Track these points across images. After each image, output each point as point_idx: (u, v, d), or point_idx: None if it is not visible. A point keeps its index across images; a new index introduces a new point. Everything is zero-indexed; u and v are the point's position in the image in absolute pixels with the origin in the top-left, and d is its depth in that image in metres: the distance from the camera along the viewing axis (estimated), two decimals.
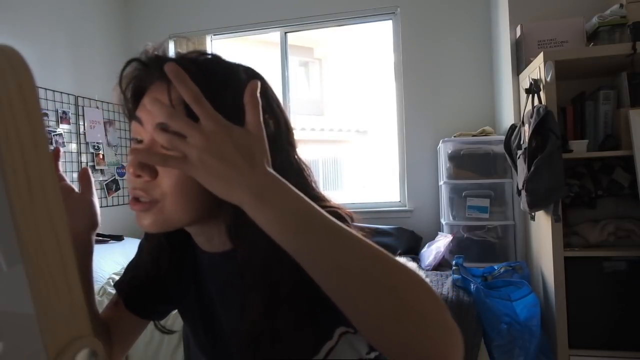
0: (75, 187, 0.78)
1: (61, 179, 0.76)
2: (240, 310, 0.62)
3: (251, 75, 0.64)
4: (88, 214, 0.74)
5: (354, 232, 0.47)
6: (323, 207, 0.58)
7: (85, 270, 0.73)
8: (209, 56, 0.63)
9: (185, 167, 0.47)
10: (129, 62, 0.64)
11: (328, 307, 0.57)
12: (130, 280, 0.80)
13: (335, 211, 0.61)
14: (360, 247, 0.46)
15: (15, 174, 0.29)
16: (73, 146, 2.95)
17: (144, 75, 0.63)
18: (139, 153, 0.52)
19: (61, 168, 0.76)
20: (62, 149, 0.78)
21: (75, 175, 2.92)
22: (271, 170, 0.48)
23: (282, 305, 0.57)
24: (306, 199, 0.48)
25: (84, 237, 0.73)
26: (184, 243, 0.74)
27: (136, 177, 0.58)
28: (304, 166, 0.68)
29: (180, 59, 0.61)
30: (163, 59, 0.62)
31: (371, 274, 0.45)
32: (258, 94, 0.49)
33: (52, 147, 2.70)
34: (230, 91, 0.57)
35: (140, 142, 0.61)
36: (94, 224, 0.74)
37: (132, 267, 0.83)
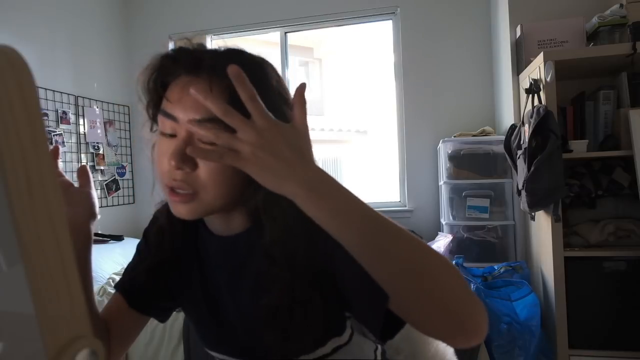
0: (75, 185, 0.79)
1: (59, 174, 0.78)
2: (255, 288, 0.67)
3: (271, 68, 0.68)
4: (87, 204, 0.76)
5: (392, 220, 0.52)
6: None
7: (84, 262, 0.74)
8: (238, 50, 0.66)
9: (240, 162, 0.50)
10: (163, 57, 0.66)
11: (338, 303, 0.66)
12: (131, 279, 0.81)
13: None
14: (401, 234, 0.51)
15: (15, 174, 0.29)
16: (73, 146, 2.95)
17: (169, 69, 0.64)
18: (196, 151, 0.53)
19: (61, 168, 0.77)
20: (62, 149, 0.80)
21: (75, 175, 2.92)
22: (318, 165, 0.52)
23: (298, 281, 0.62)
24: (351, 190, 0.52)
25: (84, 227, 0.74)
26: (185, 231, 0.77)
27: (177, 170, 0.61)
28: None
29: (219, 55, 0.64)
30: (194, 53, 0.64)
31: (411, 257, 0.50)
32: (305, 95, 0.53)
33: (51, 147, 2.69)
34: (263, 84, 0.60)
35: (172, 136, 0.63)
36: (93, 214, 0.76)
37: (132, 268, 0.84)
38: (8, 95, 0.29)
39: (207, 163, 0.60)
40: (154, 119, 0.70)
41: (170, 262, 0.78)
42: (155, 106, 0.68)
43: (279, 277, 0.63)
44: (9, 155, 0.29)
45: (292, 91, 0.61)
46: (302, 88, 0.53)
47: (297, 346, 0.67)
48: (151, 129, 0.71)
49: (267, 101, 0.56)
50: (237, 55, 0.65)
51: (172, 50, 0.65)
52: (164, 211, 0.77)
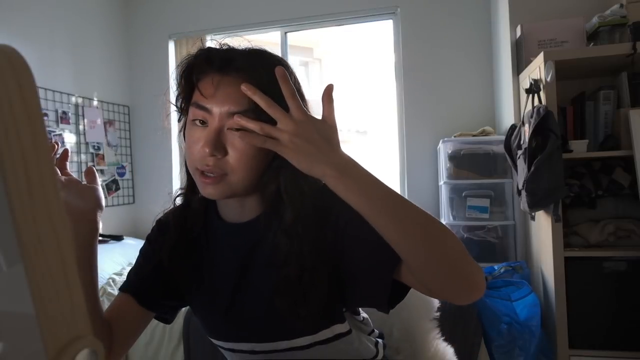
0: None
1: (67, 174, 0.82)
2: (269, 262, 0.74)
3: (294, 76, 0.78)
4: (94, 196, 0.79)
5: (406, 198, 0.62)
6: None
7: (91, 251, 0.78)
8: (261, 51, 0.75)
9: (278, 147, 0.61)
10: (195, 56, 0.74)
11: (338, 291, 0.75)
12: (140, 279, 0.84)
13: None
14: (415, 207, 0.62)
15: (15, 174, 0.29)
16: (73, 146, 2.94)
17: (201, 67, 0.72)
18: (245, 136, 0.64)
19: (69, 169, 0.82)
20: (61, 149, 0.82)
21: (74, 175, 2.92)
22: (344, 155, 0.62)
23: (309, 254, 0.71)
24: (373, 173, 0.62)
25: (91, 216, 0.78)
26: (194, 226, 0.83)
27: (211, 156, 0.69)
28: None
29: (244, 56, 0.72)
30: (224, 53, 0.73)
31: (423, 224, 0.61)
32: (333, 94, 0.64)
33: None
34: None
35: (203, 123, 0.71)
36: (99, 205, 0.80)
37: (138, 270, 0.86)
38: (8, 95, 0.29)
39: (236, 150, 0.69)
40: (182, 110, 0.77)
41: (178, 259, 0.81)
42: (185, 99, 0.76)
43: (296, 250, 0.71)
44: (9, 155, 0.28)
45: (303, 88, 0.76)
46: (330, 89, 0.63)
47: (304, 316, 0.71)
48: (179, 120, 0.79)
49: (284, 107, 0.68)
50: (261, 56, 0.74)
51: (204, 49, 0.74)
52: (171, 212, 0.85)
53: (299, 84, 0.76)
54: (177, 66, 0.76)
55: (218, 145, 0.68)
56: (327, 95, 0.63)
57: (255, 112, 0.66)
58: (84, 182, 0.81)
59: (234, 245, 0.80)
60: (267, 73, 0.69)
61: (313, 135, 0.60)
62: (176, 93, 0.78)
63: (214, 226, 0.82)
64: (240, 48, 0.74)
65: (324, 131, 0.61)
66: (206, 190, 0.71)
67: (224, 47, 0.74)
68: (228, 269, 0.80)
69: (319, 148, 0.60)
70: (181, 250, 0.81)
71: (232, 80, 0.69)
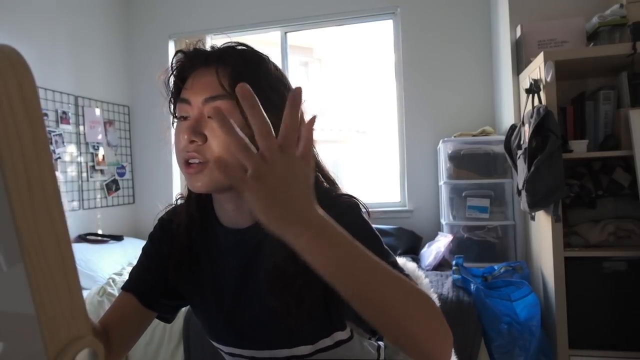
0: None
1: None
2: (265, 274, 0.72)
3: (274, 65, 0.77)
4: None
5: (386, 266, 0.53)
6: (338, 195, 0.75)
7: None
8: (244, 47, 0.75)
9: (239, 185, 0.47)
10: (176, 53, 0.76)
11: (334, 299, 0.68)
12: (142, 278, 0.84)
13: (354, 201, 0.73)
14: (394, 281, 0.53)
15: (15, 174, 0.29)
16: (73, 146, 2.94)
17: (186, 65, 0.74)
18: (222, 124, 0.62)
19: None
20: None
21: (74, 175, 2.92)
22: (319, 209, 0.50)
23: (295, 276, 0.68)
24: (348, 236, 0.51)
25: None
26: (197, 229, 0.82)
27: (190, 143, 0.68)
28: (316, 149, 0.78)
29: (223, 50, 0.73)
30: (205, 50, 0.74)
31: (396, 302, 0.53)
32: (314, 129, 0.52)
33: (53, 149, 2.71)
34: (264, 79, 0.71)
35: (185, 118, 0.71)
36: None
37: (141, 268, 0.86)
38: (8, 95, 0.29)
39: (216, 135, 0.68)
40: (174, 112, 0.77)
41: (181, 260, 0.81)
42: (175, 101, 0.77)
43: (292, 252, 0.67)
44: (9, 155, 0.28)
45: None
46: (311, 122, 0.51)
47: (296, 317, 0.70)
48: (172, 124, 0.78)
49: (258, 95, 0.65)
50: (243, 48, 0.75)
51: (189, 50, 0.75)
52: (172, 212, 0.86)
53: (281, 77, 0.75)
54: (166, 70, 0.77)
55: (196, 131, 0.68)
56: (308, 130, 0.50)
57: (231, 97, 0.67)
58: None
59: (234, 251, 0.78)
60: (244, 59, 0.71)
61: (287, 180, 0.47)
62: (168, 99, 0.79)
63: (215, 232, 0.81)
64: (226, 44, 0.75)
65: (301, 175, 0.49)
66: (192, 182, 0.70)
67: (210, 46, 0.76)
68: (229, 276, 0.79)
69: (293, 199, 0.48)
70: (184, 259, 0.81)
71: (209, 70, 0.70)
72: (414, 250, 2.78)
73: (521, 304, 2.00)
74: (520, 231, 2.56)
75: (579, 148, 1.94)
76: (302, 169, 0.49)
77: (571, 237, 1.99)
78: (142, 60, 3.53)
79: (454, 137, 2.72)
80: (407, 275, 0.63)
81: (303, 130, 0.51)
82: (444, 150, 2.69)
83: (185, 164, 0.70)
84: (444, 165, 2.69)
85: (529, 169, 1.89)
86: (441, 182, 2.76)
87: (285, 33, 3.40)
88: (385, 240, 2.48)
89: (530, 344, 1.90)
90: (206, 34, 3.44)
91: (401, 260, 1.02)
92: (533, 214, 2.15)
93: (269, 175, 0.46)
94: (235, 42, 0.76)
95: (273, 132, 0.48)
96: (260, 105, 0.47)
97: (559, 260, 1.92)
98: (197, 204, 0.82)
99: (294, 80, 3.52)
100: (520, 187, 2.03)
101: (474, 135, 2.68)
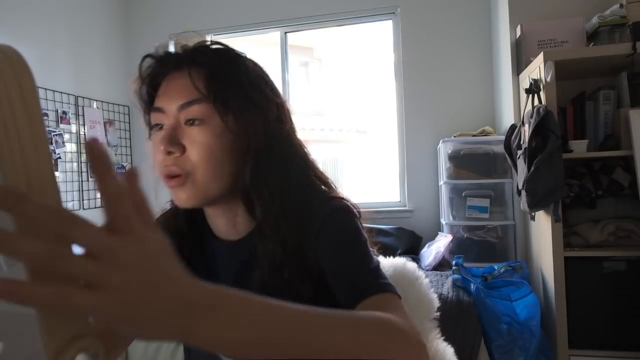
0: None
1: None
2: (257, 289, 0.66)
3: (252, 62, 0.72)
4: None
5: (317, 312, 0.42)
6: (329, 198, 0.70)
7: None
8: (219, 45, 0.70)
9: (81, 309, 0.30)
10: (144, 58, 0.70)
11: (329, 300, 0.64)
12: None
13: (344, 204, 0.69)
14: (331, 327, 0.42)
15: (15, 173, 0.29)
16: (73, 146, 2.94)
17: (158, 71, 0.69)
18: (201, 130, 0.64)
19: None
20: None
21: (74, 175, 2.92)
22: (195, 282, 0.36)
23: (290, 258, 0.64)
24: (258, 300, 0.39)
25: None
26: (191, 241, 0.77)
27: (168, 155, 0.63)
28: (306, 150, 0.76)
29: (196, 50, 0.68)
30: (176, 52, 0.69)
31: (346, 346, 0.42)
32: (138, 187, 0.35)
33: (53, 148, 2.70)
34: (243, 76, 0.67)
35: (161, 127, 0.66)
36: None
37: None
38: (8, 95, 0.29)
39: (195, 144, 0.63)
40: (150, 123, 0.70)
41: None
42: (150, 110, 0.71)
43: (270, 252, 0.65)
44: (9, 154, 0.28)
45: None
46: (133, 179, 0.34)
47: None
48: (149, 136, 0.71)
49: (237, 95, 0.64)
50: (218, 47, 0.69)
51: (158, 54, 0.70)
52: (165, 221, 0.77)
53: (261, 74, 0.71)
54: (137, 77, 0.70)
55: (173, 141, 0.63)
56: (133, 184, 0.35)
57: (207, 100, 0.63)
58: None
59: (226, 265, 0.74)
60: (219, 58, 0.66)
61: (143, 269, 0.32)
62: (143, 109, 0.72)
63: (211, 246, 0.77)
64: (199, 43, 0.71)
65: (157, 253, 0.34)
66: (176, 196, 0.66)
67: (179, 48, 0.71)
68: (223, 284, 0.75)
69: (159, 289, 0.32)
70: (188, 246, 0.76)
71: (182, 73, 0.65)
72: (414, 250, 2.78)
73: (521, 304, 2.00)
74: (520, 231, 2.56)
75: (579, 148, 1.94)
76: (156, 243, 0.34)
77: (571, 237, 1.99)
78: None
79: (454, 137, 2.71)
80: (385, 284, 0.60)
81: (131, 193, 0.34)
82: (444, 150, 2.68)
83: (166, 178, 0.65)
84: (444, 165, 2.69)
85: (528, 169, 1.89)
86: (441, 182, 2.76)
87: (285, 33, 3.40)
88: (385, 240, 2.47)
89: (530, 344, 1.90)
90: (206, 34, 3.44)
91: (401, 260, 1.02)
92: (533, 214, 2.15)
93: (115, 277, 0.30)
94: (209, 41, 0.71)
95: (126, 210, 0.32)
96: (113, 173, 0.32)
97: (559, 260, 1.91)
98: (186, 218, 0.76)
99: (294, 80, 3.52)
100: (520, 187, 2.03)
101: (474, 135, 2.68)
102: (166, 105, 0.65)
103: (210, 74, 0.65)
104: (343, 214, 0.68)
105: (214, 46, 0.69)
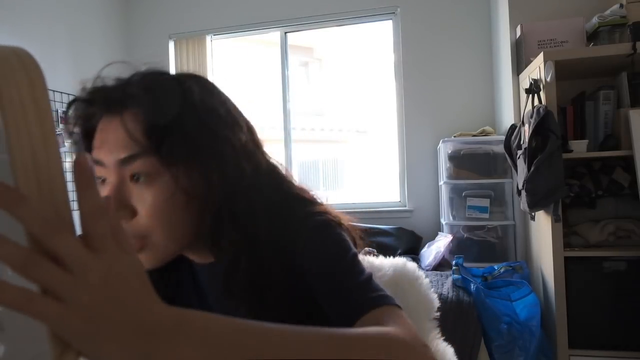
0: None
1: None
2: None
3: (202, 84, 0.62)
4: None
5: (310, 336, 0.40)
6: (307, 215, 0.63)
7: None
8: (155, 75, 0.60)
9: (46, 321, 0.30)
10: (71, 104, 0.61)
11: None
12: None
13: (324, 219, 0.62)
14: (321, 348, 0.40)
15: (26, 174, 0.29)
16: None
17: (89, 114, 0.60)
18: (149, 186, 0.55)
19: None
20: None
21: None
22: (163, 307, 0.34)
23: (270, 312, 0.55)
24: (236, 322, 0.37)
25: None
26: (175, 264, 0.71)
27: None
28: (274, 165, 0.68)
29: (127, 85, 0.58)
30: (105, 90, 0.59)
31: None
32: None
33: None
34: (188, 117, 0.56)
35: (104, 181, 0.57)
36: None
37: None
38: (20, 95, 0.29)
39: (144, 204, 0.55)
40: None
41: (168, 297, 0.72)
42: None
43: (243, 313, 0.58)
44: (20, 154, 0.29)
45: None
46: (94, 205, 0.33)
47: None
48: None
49: (185, 141, 0.55)
50: (156, 82, 0.58)
51: (85, 93, 0.60)
52: None
53: (211, 107, 0.60)
54: (66, 122, 0.62)
55: (120, 204, 0.55)
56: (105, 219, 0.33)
57: (151, 152, 0.54)
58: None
59: (212, 285, 0.69)
60: (156, 95, 0.56)
61: (113, 288, 0.32)
62: (77, 149, 0.63)
63: (194, 269, 0.72)
64: (132, 76, 0.60)
65: (130, 272, 0.33)
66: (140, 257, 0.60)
67: (109, 82, 0.61)
68: (215, 311, 0.69)
69: (130, 311, 0.32)
70: (168, 289, 0.71)
71: (115, 118, 0.56)
72: (414, 250, 2.78)
73: (521, 304, 2.00)
74: (520, 231, 2.56)
75: (579, 148, 1.94)
76: (128, 265, 0.33)
77: (571, 237, 1.99)
78: (142, 60, 3.53)
79: (454, 137, 2.72)
80: (379, 296, 0.55)
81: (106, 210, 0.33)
82: (444, 150, 2.69)
83: None
84: (444, 165, 2.70)
85: (528, 169, 1.89)
86: (441, 182, 2.76)
87: (285, 33, 3.40)
88: (385, 240, 2.47)
89: (530, 344, 1.90)
90: (206, 34, 3.44)
91: (401, 260, 1.02)
92: (533, 214, 2.15)
93: (81, 292, 0.30)
94: (145, 69, 0.61)
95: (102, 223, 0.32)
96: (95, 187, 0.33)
97: (559, 260, 1.92)
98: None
99: (294, 80, 3.51)
100: (520, 187, 2.03)
101: (474, 135, 2.68)
102: (105, 158, 0.56)
103: (148, 118, 0.55)
104: (323, 231, 0.62)
105: (150, 77, 0.59)
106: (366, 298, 0.55)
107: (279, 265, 0.60)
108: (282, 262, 0.60)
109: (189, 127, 0.56)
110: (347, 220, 0.66)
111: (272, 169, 0.67)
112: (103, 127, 0.58)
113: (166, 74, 0.61)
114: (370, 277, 0.58)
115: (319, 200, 0.68)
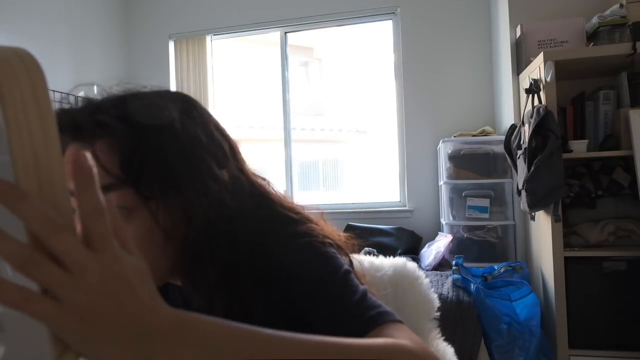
0: None
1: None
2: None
3: (184, 108, 0.58)
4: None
5: (310, 342, 0.39)
6: (290, 237, 0.59)
7: None
8: (129, 97, 0.56)
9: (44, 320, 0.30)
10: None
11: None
12: None
13: (307, 241, 0.59)
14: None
15: (27, 173, 0.29)
16: None
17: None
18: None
19: None
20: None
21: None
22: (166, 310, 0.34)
23: (261, 317, 0.54)
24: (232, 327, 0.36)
25: None
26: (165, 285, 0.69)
27: None
28: (259, 184, 0.65)
29: (98, 112, 0.54)
30: (73, 115, 0.55)
31: None
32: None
33: None
34: (170, 139, 0.53)
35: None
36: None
37: None
38: (21, 96, 0.29)
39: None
40: None
41: None
42: None
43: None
44: (21, 156, 0.29)
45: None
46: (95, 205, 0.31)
47: None
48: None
49: (165, 174, 0.52)
50: (127, 105, 0.54)
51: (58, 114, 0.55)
52: None
53: (194, 136, 0.56)
54: None
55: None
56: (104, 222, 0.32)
57: (127, 184, 0.51)
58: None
59: (189, 308, 0.66)
60: (134, 123, 0.52)
61: (112, 290, 0.31)
62: None
63: (172, 289, 0.70)
64: (104, 100, 0.56)
65: (129, 273, 0.32)
66: None
67: (78, 105, 0.57)
68: None
69: (130, 312, 0.32)
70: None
71: (91, 150, 0.52)
72: (414, 250, 2.78)
73: (521, 304, 2.00)
74: (520, 231, 2.56)
75: (579, 148, 1.94)
76: (130, 265, 0.33)
77: (571, 237, 1.99)
78: (142, 60, 3.53)
79: (454, 137, 2.72)
80: (377, 314, 0.52)
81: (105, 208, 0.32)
82: (444, 150, 2.69)
83: None
84: (444, 165, 2.70)
85: (528, 169, 1.89)
86: (441, 182, 2.76)
87: (285, 33, 3.40)
88: (385, 240, 2.47)
89: (530, 344, 1.91)
90: (206, 34, 3.44)
91: (401, 260, 1.02)
92: (533, 214, 2.16)
93: (79, 292, 0.30)
94: (119, 91, 0.57)
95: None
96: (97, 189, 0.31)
97: (558, 260, 1.92)
98: None
99: (294, 80, 3.51)
100: (520, 187, 2.03)
101: (474, 135, 2.68)
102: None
103: (124, 150, 0.51)
104: (308, 252, 0.58)
105: (122, 104, 0.54)
106: (365, 318, 0.52)
107: (262, 299, 0.57)
108: (265, 295, 0.57)
109: (169, 159, 0.53)
110: (337, 235, 0.63)
111: (256, 192, 0.64)
112: (70, 155, 0.53)
113: (143, 97, 0.57)
114: (365, 293, 0.55)
115: (306, 216, 0.64)
